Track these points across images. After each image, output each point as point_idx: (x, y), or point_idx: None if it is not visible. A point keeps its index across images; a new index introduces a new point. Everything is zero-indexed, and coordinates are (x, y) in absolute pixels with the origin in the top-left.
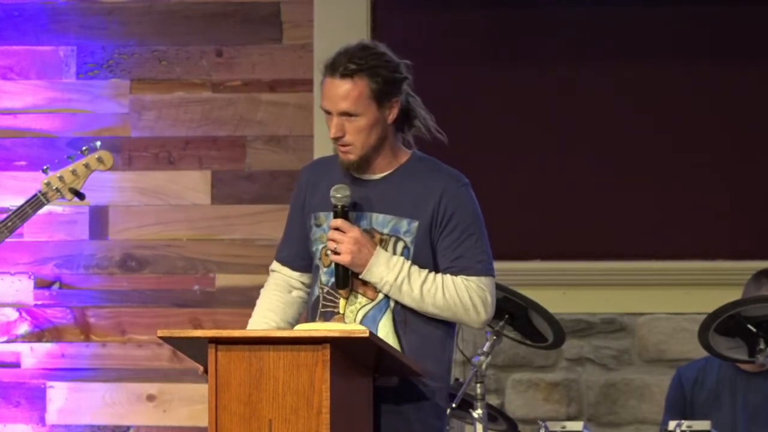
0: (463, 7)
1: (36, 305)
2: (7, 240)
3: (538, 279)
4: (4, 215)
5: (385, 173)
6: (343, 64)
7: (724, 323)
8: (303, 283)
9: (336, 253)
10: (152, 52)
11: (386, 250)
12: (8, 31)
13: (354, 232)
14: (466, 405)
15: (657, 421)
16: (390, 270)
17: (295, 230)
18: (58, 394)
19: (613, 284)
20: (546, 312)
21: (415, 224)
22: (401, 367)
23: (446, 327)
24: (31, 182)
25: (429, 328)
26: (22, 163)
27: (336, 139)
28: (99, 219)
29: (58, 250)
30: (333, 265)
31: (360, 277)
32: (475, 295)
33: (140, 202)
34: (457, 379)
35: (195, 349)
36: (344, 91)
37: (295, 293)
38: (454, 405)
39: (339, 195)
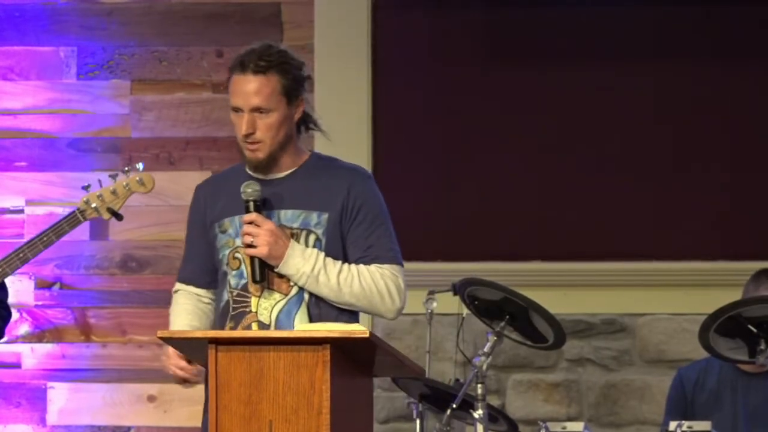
0: (463, 7)
1: (36, 306)
2: (8, 241)
3: (539, 279)
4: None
5: (288, 171)
6: (253, 61)
7: (724, 324)
8: (210, 299)
9: (252, 246)
10: (152, 53)
11: (299, 243)
12: (8, 32)
13: (269, 225)
14: (467, 405)
15: (657, 422)
16: (306, 261)
17: (196, 248)
18: (58, 394)
19: (613, 285)
20: (546, 312)
21: (325, 216)
22: (401, 367)
23: (356, 319)
24: (31, 182)
25: (343, 319)
26: (23, 163)
27: (246, 137)
28: (99, 220)
29: (58, 250)
30: (243, 266)
31: (276, 270)
32: (390, 282)
33: (140, 202)
34: (457, 380)
35: (195, 349)
36: (257, 86)
37: (202, 305)
38: (454, 405)
39: (249, 190)
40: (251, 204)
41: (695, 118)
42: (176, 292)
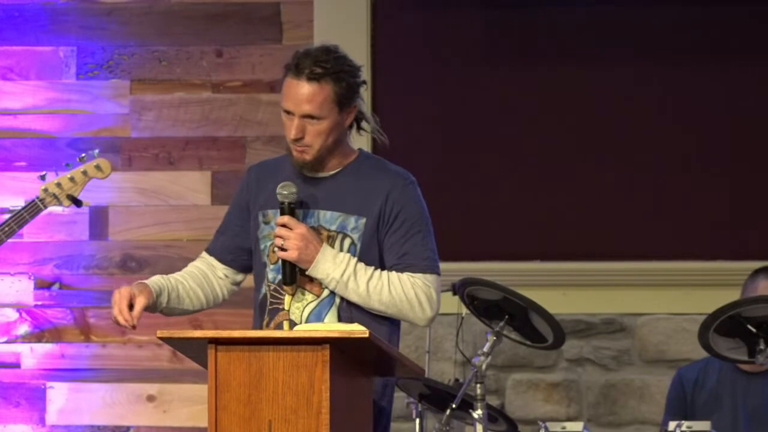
0: (463, 7)
1: (36, 306)
2: (8, 240)
3: (538, 279)
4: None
5: (333, 171)
6: (309, 67)
7: (724, 324)
8: (225, 275)
9: (283, 249)
10: (152, 53)
11: (333, 246)
12: (8, 32)
13: (301, 229)
14: (466, 405)
15: (657, 422)
16: (336, 266)
17: (231, 226)
18: (58, 394)
19: (613, 285)
20: (546, 312)
21: (363, 221)
22: (401, 367)
23: (391, 324)
24: (31, 183)
25: (374, 325)
26: (22, 163)
27: (295, 141)
28: (99, 219)
29: (58, 250)
30: (280, 262)
31: (306, 273)
32: (421, 291)
33: (140, 202)
34: (457, 380)
35: (195, 349)
36: (309, 93)
37: (216, 279)
38: (454, 405)
39: (285, 192)
40: (286, 206)
41: (695, 118)
42: (200, 257)
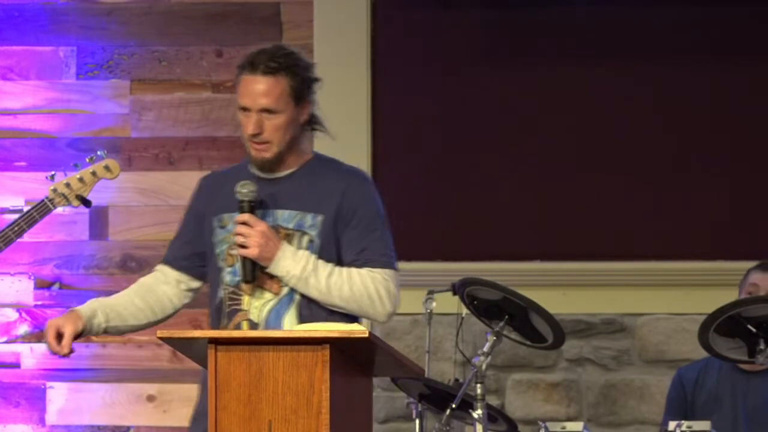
0: (463, 7)
1: (36, 306)
2: None
3: (538, 279)
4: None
5: (289, 171)
6: (264, 62)
7: (724, 324)
8: (179, 281)
9: (244, 247)
10: (152, 53)
11: (292, 245)
12: (8, 32)
13: (261, 226)
14: (466, 405)
15: (657, 422)
16: (296, 263)
17: (184, 233)
18: (58, 394)
19: (613, 285)
20: (546, 312)
21: (320, 218)
22: (400, 366)
23: (350, 321)
24: (31, 183)
25: (334, 321)
26: (22, 163)
27: (253, 136)
28: (99, 219)
29: (58, 250)
30: (237, 263)
31: (267, 270)
32: (381, 286)
33: (140, 202)
34: (457, 380)
35: (195, 349)
36: (266, 87)
37: (164, 287)
38: (454, 405)
39: (244, 191)
40: (245, 204)
41: (695, 118)
42: (154, 270)
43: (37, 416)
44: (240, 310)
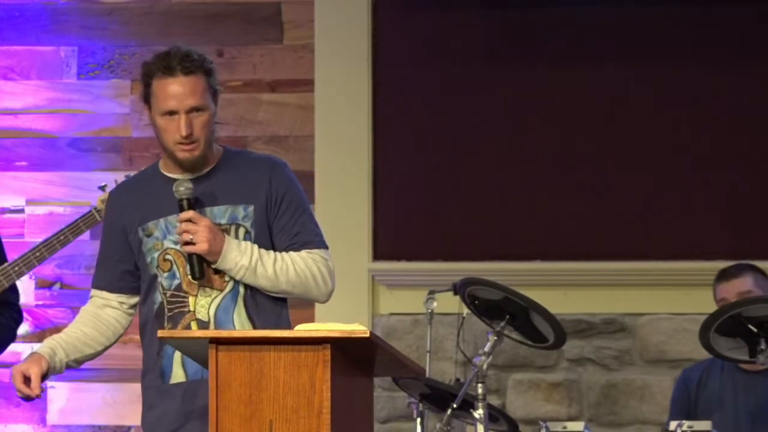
0: (464, 7)
1: (37, 305)
2: (8, 241)
3: (539, 279)
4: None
5: (207, 169)
6: (179, 64)
7: (724, 323)
8: (121, 303)
9: (191, 243)
10: (153, 53)
11: None
12: (9, 32)
13: (206, 221)
14: (467, 405)
15: (657, 422)
16: (243, 254)
17: (110, 254)
18: (59, 394)
19: (613, 284)
20: (547, 312)
21: (251, 208)
22: (401, 366)
23: (286, 305)
24: (32, 182)
25: (277, 309)
26: (23, 163)
27: (186, 137)
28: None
29: (59, 250)
30: (174, 267)
31: (214, 265)
32: (322, 266)
33: None
34: (458, 380)
35: (196, 349)
36: (191, 86)
37: (108, 311)
38: (455, 405)
39: (182, 189)
40: (185, 202)
41: (696, 118)
42: (90, 297)
43: (38, 416)
44: (185, 311)
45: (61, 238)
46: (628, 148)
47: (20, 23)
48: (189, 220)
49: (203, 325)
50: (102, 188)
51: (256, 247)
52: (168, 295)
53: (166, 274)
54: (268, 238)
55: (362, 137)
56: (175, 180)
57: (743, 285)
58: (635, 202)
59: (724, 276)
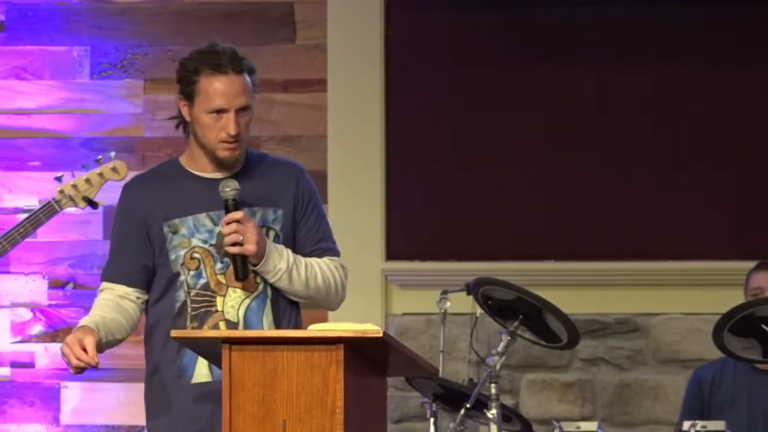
0: (476, 7)
1: (50, 305)
2: (22, 241)
3: (552, 279)
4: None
5: (235, 170)
6: (229, 62)
7: (738, 323)
8: (137, 297)
9: (238, 244)
10: (166, 52)
11: None
12: (22, 32)
13: (253, 222)
14: (481, 405)
15: (671, 422)
16: (281, 258)
17: (128, 248)
18: (72, 394)
19: (627, 284)
20: (560, 312)
21: (280, 212)
22: (414, 366)
23: (300, 309)
24: (45, 182)
25: (294, 312)
26: (36, 163)
27: (233, 136)
28: (112, 219)
29: (71, 250)
30: (201, 266)
31: (256, 268)
32: (339, 274)
33: None
34: (471, 379)
35: (209, 349)
36: (241, 86)
37: (126, 302)
38: (468, 405)
39: (229, 189)
40: (231, 203)
41: (711, 116)
42: (101, 290)
43: (51, 416)
44: (213, 311)
45: (22, 230)
46: (642, 147)
47: (33, 23)
48: (238, 221)
49: (232, 325)
50: (58, 179)
51: (290, 251)
52: (192, 294)
53: (192, 273)
54: (292, 242)
55: (375, 137)
56: (207, 178)
57: None
58: (649, 202)
59: (762, 266)
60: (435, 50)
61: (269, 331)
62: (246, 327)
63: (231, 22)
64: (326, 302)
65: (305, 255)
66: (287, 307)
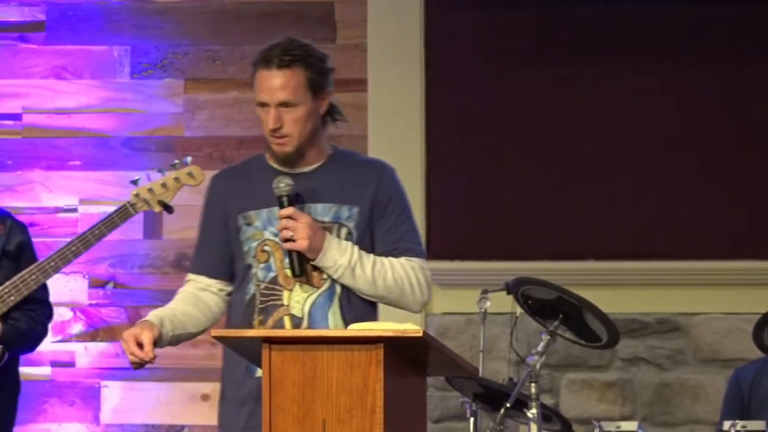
0: (515, 6)
1: (90, 305)
2: (62, 240)
3: (592, 279)
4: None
5: (314, 165)
6: (278, 56)
7: None
8: (220, 290)
9: (290, 240)
10: (206, 52)
11: None
12: (62, 31)
13: (306, 218)
14: (521, 405)
15: (711, 422)
16: (342, 253)
17: (212, 240)
18: (112, 393)
19: (667, 284)
20: (600, 312)
21: (356, 209)
22: (454, 366)
23: (377, 310)
24: (85, 182)
25: (369, 313)
26: (76, 162)
27: (274, 131)
28: (153, 219)
29: (112, 249)
30: (270, 259)
31: (314, 262)
32: (420, 274)
33: (194, 201)
34: (511, 379)
35: (249, 349)
36: (282, 81)
37: (207, 295)
38: (508, 405)
39: (282, 185)
40: (285, 198)
41: (753, 116)
42: (186, 282)
43: (91, 415)
44: (278, 305)
45: (96, 232)
46: (683, 147)
47: (73, 23)
48: (289, 217)
49: (297, 320)
50: (134, 182)
51: (356, 248)
52: (262, 287)
53: (262, 265)
54: (370, 241)
55: (415, 136)
56: (280, 172)
57: None
58: (690, 201)
59: None
60: (475, 49)
61: (309, 331)
62: (310, 322)
63: (271, 22)
64: (402, 302)
65: (382, 254)
66: (359, 305)
